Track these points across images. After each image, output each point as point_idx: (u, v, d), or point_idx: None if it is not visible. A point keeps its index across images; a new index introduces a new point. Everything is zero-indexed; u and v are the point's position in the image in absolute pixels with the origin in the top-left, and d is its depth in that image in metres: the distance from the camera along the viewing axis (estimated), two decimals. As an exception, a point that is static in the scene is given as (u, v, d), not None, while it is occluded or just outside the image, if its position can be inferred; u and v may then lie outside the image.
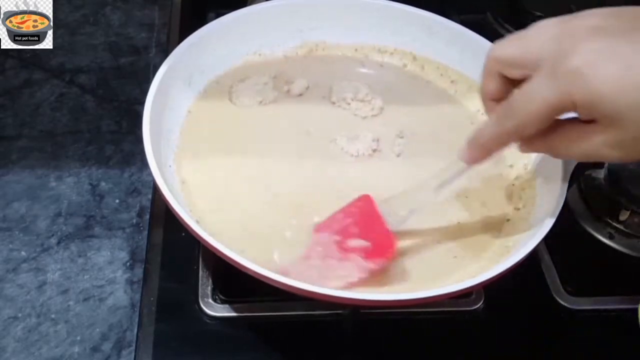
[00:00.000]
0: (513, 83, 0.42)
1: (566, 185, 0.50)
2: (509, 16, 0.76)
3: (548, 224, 0.47)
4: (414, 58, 0.64)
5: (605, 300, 0.54)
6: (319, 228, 0.50)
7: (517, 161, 0.57)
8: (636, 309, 0.48)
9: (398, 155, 0.58)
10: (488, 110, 0.45)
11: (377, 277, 0.48)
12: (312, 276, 0.46)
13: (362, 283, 0.47)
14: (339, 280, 0.46)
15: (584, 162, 0.44)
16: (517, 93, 0.41)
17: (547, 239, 0.47)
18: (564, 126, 0.41)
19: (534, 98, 0.39)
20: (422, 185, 0.49)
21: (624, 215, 0.57)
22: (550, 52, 0.39)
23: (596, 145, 0.39)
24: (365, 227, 0.49)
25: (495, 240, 0.52)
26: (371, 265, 0.47)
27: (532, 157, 0.56)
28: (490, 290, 0.52)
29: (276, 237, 0.51)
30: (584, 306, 0.54)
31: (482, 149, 0.44)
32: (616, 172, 0.57)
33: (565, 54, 0.38)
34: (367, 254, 0.48)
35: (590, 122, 0.39)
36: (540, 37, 0.40)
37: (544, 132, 0.41)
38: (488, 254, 0.51)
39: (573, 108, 0.38)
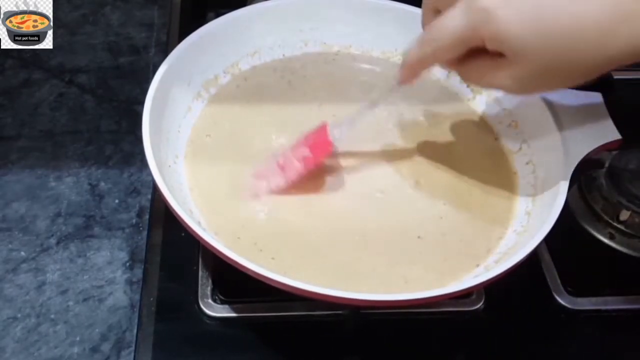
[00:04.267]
0: None
1: (566, 185, 0.50)
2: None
3: (548, 224, 0.47)
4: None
5: (605, 300, 0.54)
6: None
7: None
8: (636, 309, 0.48)
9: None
10: None
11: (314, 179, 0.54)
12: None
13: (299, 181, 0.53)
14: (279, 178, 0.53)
15: (489, 89, 0.50)
16: (435, 22, 0.44)
17: (547, 239, 0.47)
18: (478, 57, 0.44)
19: (447, 28, 0.43)
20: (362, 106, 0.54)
21: (624, 215, 0.57)
22: None
23: (500, 77, 0.43)
24: (311, 141, 0.54)
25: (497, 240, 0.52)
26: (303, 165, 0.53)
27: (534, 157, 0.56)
28: (490, 290, 0.52)
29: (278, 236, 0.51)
30: (584, 306, 0.54)
31: (410, 70, 0.48)
32: (616, 172, 0.57)
33: None
34: (307, 159, 0.53)
35: (500, 55, 0.42)
36: None
37: (462, 59, 0.45)
38: (488, 254, 0.51)
39: (481, 42, 0.42)
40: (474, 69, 0.45)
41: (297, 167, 0.53)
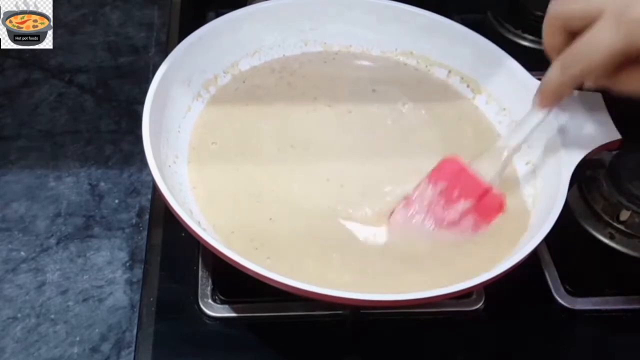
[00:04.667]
0: (572, 36, 0.45)
1: (566, 185, 0.50)
2: (509, 16, 0.76)
3: (548, 224, 0.47)
4: (415, 57, 0.64)
5: (605, 300, 0.54)
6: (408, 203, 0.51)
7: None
8: (636, 309, 0.48)
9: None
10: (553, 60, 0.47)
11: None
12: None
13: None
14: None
15: None
16: (581, 41, 0.43)
17: (547, 239, 0.47)
18: (629, 67, 0.44)
19: (599, 45, 0.42)
20: (501, 144, 0.51)
21: (624, 215, 0.57)
22: (613, 3, 0.42)
23: None
24: (464, 188, 0.49)
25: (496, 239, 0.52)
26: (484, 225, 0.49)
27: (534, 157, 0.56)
28: (490, 290, 0.52)
29: (277, 237, 0.51)
30: (584, 306, 0.54)
31: (552, 95, 0.48)
32: (616, 172, 0.57)
33: (629, 3, 0.41)
34: (475, 213, 0.49)
35: None
36: None
37: (612, 73, 0.44)
38: (488, 254, 0.51)
39: (637, 54, 0.42)
40: (628, 77, 0.44)
41: (455, 220, 0.49)
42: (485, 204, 0.50)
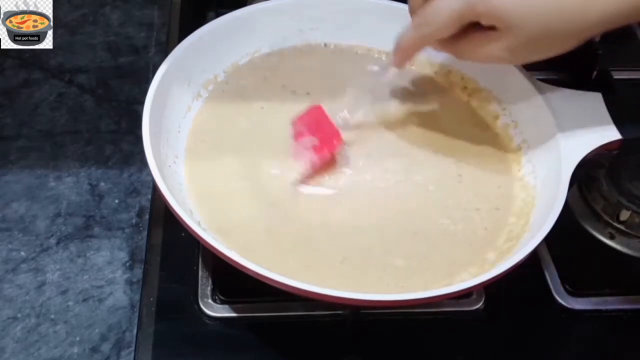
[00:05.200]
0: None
1: (566, 185, 0.50)
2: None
3: (548, 224, 0.47)
4: (415, 57, 0.64)
5: (605, 300, 0.54)
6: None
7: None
8: (636, 309, 0.48)
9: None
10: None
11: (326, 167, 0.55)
12: None
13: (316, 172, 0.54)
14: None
15: (483, 62, 0.50)
16: (430, 4, 0.48)
17: (548, 239, 0.47)
18: (470, 33, 0.48)
19: (444, 9, 0.47)
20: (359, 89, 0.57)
21: (624, 215, 0.57)
22: None
23: (493, 49, 0.47)
24: (315, 128, 0.55)
25: (497, 237, 0.52)
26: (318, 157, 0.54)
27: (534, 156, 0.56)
28: (490, 290, 0.52)
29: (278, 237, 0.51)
30: (584, 306, 0.54)
31: (404, 53, 0.52)
32: (616, 172, 0.57)
33: None
34: (316, 148, 0.54)
35: (491, 29, 0.46)
36: None
37: (454, 37, 0.48)
38: (488, 254, 0.51)
39: (476, 17, 0.46)
40: (468, 44, 0.49)
41: (310, 158, 0.54)
42: (325, 140, 0.55)
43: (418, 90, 0.63)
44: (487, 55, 0.48)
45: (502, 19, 0.45)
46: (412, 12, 0.50)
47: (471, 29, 0.48)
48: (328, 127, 0.55)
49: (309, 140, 0.54)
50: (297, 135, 0.55)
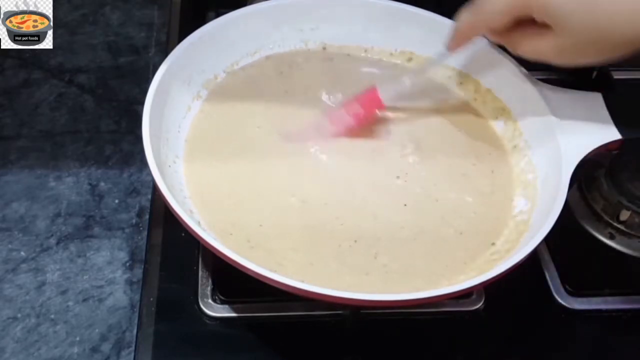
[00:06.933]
0: None
1: (566, 185, 0.50)
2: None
3: (548, 224, 0.47)
4: (415, 58, 0.64)
5: (605, 300, 0.54)
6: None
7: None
8: (636, 309, 0.48)
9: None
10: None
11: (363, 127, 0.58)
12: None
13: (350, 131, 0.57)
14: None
15: (530, 57, 0.51)
16: None
17: (547, 239, 0.47)
18: (525, 26, 0.49)
19: None
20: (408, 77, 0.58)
21: (624, 215, 0.57)
22: None
23: (542, 46, 0.48)
24: (362, 100, 0.58)
25: (496, 237, 0.52)
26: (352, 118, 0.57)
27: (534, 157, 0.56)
28: (490, 290, 0.52)
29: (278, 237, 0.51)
30: (584, 306, 0.54)
31: (461, 36, 0.53)
32: (616, 172, 0.57)
33: None
34: (357, 114, 0.57)
35: (544, 26, 0.47)
36: None
37: (509, 29, 0.50)
38: (488, 255, 0.51)
39: (529, 11, 0.47)
40: (520, 37, 0.50)
41: (347, 120, 0.57)
42: (369, 102, 0.58)
43: (418, 89, 0.63)
44: (535, 51, 0.49)
45: (553, 15, 0.46)
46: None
47: (527, 23, 0.48)
48: (372, 96, 0.57)
49: (353, 107, 0.57)
50: (345, 105, 0.58)
